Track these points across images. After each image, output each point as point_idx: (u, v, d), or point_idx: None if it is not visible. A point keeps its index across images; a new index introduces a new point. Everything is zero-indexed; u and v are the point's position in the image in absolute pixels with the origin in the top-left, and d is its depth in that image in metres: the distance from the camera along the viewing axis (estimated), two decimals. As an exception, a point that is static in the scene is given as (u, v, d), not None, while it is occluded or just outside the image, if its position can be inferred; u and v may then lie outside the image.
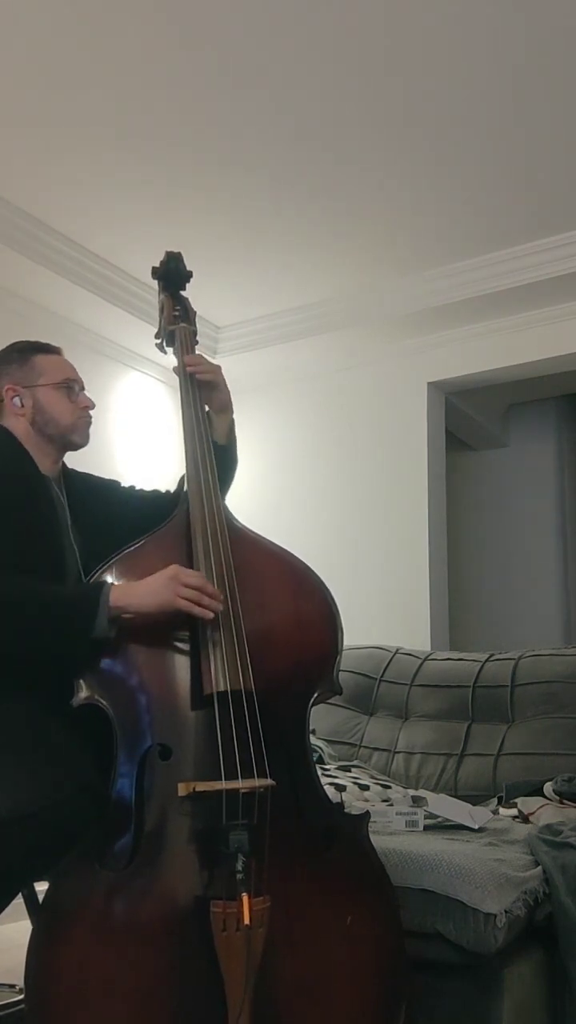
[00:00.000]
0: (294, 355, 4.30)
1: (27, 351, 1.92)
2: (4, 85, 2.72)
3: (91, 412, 1.93)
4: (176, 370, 2.03)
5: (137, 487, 2.09)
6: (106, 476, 2.09)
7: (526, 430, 5.20)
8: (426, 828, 2.17)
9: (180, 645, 1.63)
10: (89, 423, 1.93)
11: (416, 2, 2.40)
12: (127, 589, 1.59)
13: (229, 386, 2.02)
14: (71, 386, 1.90)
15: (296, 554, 1.82)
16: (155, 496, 2.04)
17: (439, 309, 3.87)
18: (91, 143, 2.98)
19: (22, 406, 1.86)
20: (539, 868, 1.92)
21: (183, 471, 1.89)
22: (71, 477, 1.97)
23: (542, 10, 2.41)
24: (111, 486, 2.06)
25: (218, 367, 2.02)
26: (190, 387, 1.98)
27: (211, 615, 1.60)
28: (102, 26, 2.48)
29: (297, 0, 2.39)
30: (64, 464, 1.96)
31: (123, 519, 1.91)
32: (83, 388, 1.94)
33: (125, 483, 2.11)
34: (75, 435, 1.90)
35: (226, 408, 2.01)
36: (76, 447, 1.93)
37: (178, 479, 1.97)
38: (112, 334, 4.08)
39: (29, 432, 1.86)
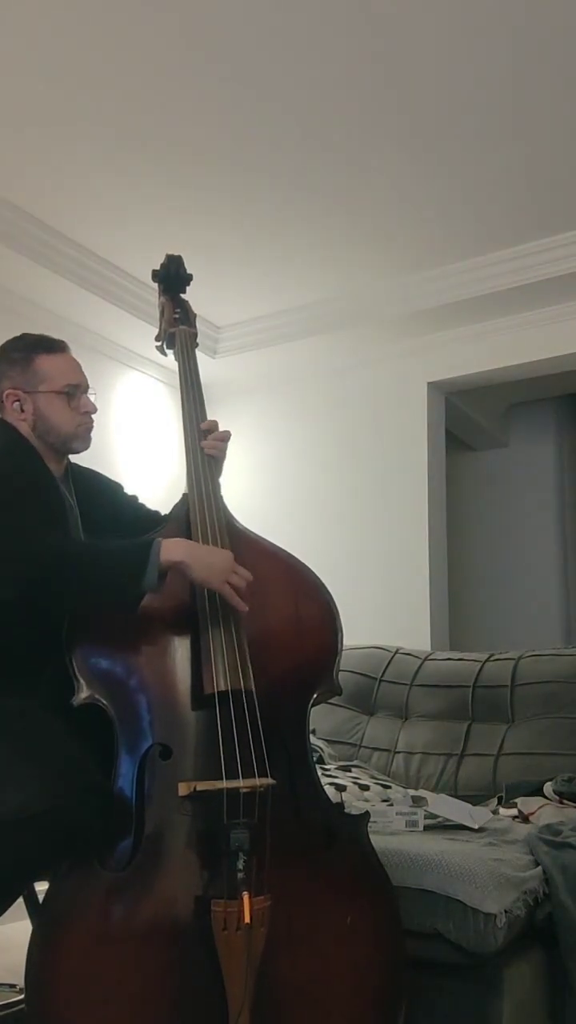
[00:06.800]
0: (294, 355, 4.29)
1: (30, 350, 1.88)
2: (6, 85, 2.72)
3: (93, 416, 1.91)
4: (179, 376, 2.01)
5: (139, 500, 2.06)
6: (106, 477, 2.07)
7: (526, 430, 5.20)
8: (426, 828, 2.17)
9: (180, 645, 1.64)
10: (90, 429, 1.91)
11: (416, 3, 2.40)
12: (177, 547, 1.60)
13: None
14: (72, 392, 1.87)
15: (295, 554, 1.83)
16: (155, 517, 2.00)
17: (439, 309, 3.87)
18: (92, 143, 2.97)
19: (23, 411, 1.85)
20: (539, 868, 1.92)
21: (183, 476, 1.89)
22: (78, 475, 1.96)
23: (541, 10, 2.42)
24: (116, 488, 2.05)
25: (228, 435, 1.97)
26: (191, 392, 1.97)
27: (246, 608, 1.63)
28: (104, 27, 2.48)
29: (299, 3, 2.40)
30: (70, 461, 1.95)
31: (125, 523, 1.90)
32: (87, 390, 1.90)
33: (127, 489, 2.08)
34: (76, 442, 1.89)
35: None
36: (77, 452, 1.92)
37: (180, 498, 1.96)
38: (112, 334, 4.08)
39: (31, 435, 1.85)
